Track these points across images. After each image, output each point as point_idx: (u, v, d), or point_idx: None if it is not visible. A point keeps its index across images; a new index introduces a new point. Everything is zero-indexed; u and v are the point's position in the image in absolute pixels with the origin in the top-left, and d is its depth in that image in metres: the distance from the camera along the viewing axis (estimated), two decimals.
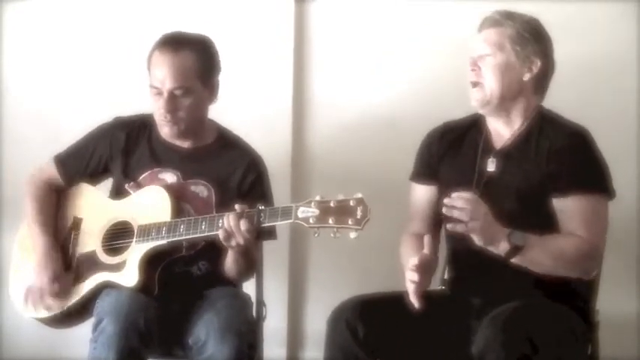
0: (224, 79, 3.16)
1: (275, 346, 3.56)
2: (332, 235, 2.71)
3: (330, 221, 2.70)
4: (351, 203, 2.69)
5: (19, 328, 3.62)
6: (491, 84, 2.88)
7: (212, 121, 3.20)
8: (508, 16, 2.90)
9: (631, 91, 3.53)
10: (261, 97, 3.70)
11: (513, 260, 2.72)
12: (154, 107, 3.09)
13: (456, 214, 2.68)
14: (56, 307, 3.09)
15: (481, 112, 2.95)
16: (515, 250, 2.70)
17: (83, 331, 3.04)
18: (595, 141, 2.87)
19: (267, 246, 3.17)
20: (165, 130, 3.11)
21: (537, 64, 2.88)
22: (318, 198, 2.74)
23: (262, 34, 3.70)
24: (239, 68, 3.65)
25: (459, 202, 2.68)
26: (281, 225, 3.09)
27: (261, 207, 2.84)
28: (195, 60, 3.04)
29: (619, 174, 2.90)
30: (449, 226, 2.72)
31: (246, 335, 2.92)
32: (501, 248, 2.71)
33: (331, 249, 3.63)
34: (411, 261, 2.77)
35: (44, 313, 3.11)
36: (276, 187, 3.21)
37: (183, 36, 3.10)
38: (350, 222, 2.69)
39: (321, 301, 3.54)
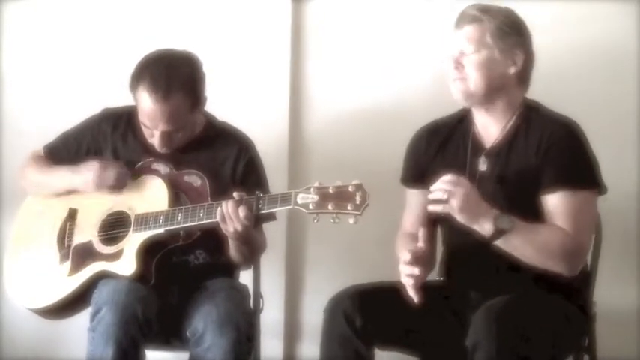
0: (223, 73, 3.16)
1: (272, 337, 3.56)
2: (331, 220, 2.71)
3: (330, 207, 2.70)
4: (350, 189, 2.70)
5: (19, 323, 3.61)
6: (476, 80, 2.85)
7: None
8: (486, 11, 2.86)
9: (631, 88, 3.52)
10: (259, 90, 3.70)
11: (497, 243, 2.72)
12: (144, 129, 3.07)
13: (437, 195, 2.69)
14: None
15: (464, 104, 2.93)
16: (500, 233, 2.70)
17: (81, 326, 3.03)
18: (584, 134, 2.85)
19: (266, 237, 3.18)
20: (157, 148, 3.10)
21: (521, 57, 2.86)
22: (316, 184, 2.74)
23: (260, 29, 3.70)
24: (237, 63, 3.67)
25: (440, 185, 2.69)
26: (279, 215, 3.14)
27: (260, 194, 2.85)
28: (186, 98, 3.00)
29: (618, 168, 2.91)
30: (429, 208, 2.72)
31: (245, 327, 2.91)
32: (486, 228, 2.70)
33: (328, 240, 3.63)
34: (403, 256, 2.76)
35: (43, 302, 3.10)
36: (273, 179, 3.21)
37: (170, 73, 2.99)
38: (349, 207, 2.69)
39: (318, 293, 3.51)
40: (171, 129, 3.02)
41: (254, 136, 3.22)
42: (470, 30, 2.86)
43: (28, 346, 3.73)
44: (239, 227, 2.85)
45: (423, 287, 2.81)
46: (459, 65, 2.87)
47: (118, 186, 3.08)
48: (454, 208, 2.68)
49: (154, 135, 3.05)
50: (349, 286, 2.89)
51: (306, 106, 3.72)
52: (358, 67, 3.69)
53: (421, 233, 2.78)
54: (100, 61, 3.74)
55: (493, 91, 2.86)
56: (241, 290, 3.10)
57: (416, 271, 2.74)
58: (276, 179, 3.28)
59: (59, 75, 3.77)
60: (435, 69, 3.53)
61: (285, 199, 2.78)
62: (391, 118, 3.62)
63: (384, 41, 3.68)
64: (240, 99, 3.65)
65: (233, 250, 3.05)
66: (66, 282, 3.07)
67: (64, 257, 3.11)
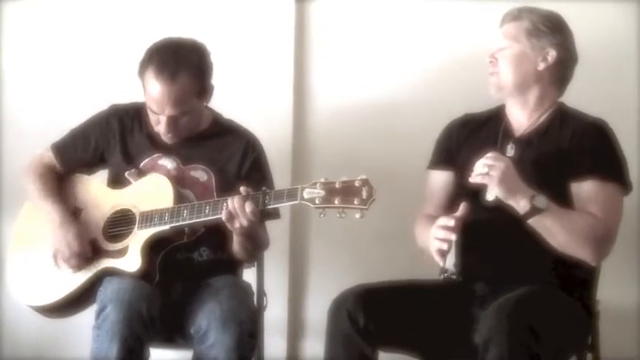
0: (227, 71, 3.17)
1: (275, 335, 3.55)
2: (338, 215, 2.72)
3: (336, 201, 2.71)
4: (357, 184, 2.71)
5: (21, 322, 3.60)
6: (506, 73, 2.95)
7: (206, 107, 3.19)
8: (527, 11, 2.98)
9: (631, 88, 3.56)
10: (263, 88, 3.71)
11: (530, 222, 2.76)
12: (151, 116, 3.08)
13: (479, 170, 2.75)
14: (82, 266, 3.07)
15: (497, 97, 3.01)
16: (534, 211, 2.74)
17: (84, 324, 3.02)
18: (615, 135, 2.92)
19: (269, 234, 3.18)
20: (163, 135, 3.11)
21: (552, 55, 2.94)
22: (323, 180, 2.75)
23: (264, 28, 3.72)
24: (241, 61, 3.68)
25: (482, 160, 2.76)
26: (282, 212, 3.15)
27: (266, 189, 2.86)
28: (192, 82, 3.02)
29: None
30: (470, 178, 2.77)
31: (248, 325, 2.91)
32: (521, 205, 2.76)
33: (332, 238, 3.64)
34: (442, 220, 2.80)
35: (47, 300, 3.09)
36: (277, 176, 3.22)
37: (178, 57, 3.02)
38: (356, 202, 2.70)
39: (321, 291, 3.54)
40: (178, 112, 3.02)
41: (258, 134, 3.22)
42: (508, 27, 2.98)
43: (30, 345, 3.72)
44: (245, 223, 2.85)
45: (428, 287, 2.85)
46: (493, 59, 2.98)
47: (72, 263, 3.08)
48: (494, 180, 2.74)
49: (160, 121, 3.05)
50: (354, 285, 2.89)
51: (310, 103, 3.73)
52: (361, 65, 3.70)
53: (463, 205, 2.81)
54: (100, 60, 3.74)
55: (523, 84, 2.96)
56: (245, 288, 3.10)
57: (453, 237, 2.78)
58: (279, 176, 3.28)
59: (59, 74, 3.77)
60: (438, 67, 3.61)
61: (291, 194, 2.79)
62: (394, 116, 3.64)
63: (386, 39, 3.69)
64: (244, 97, 3.66)
65: (237, 246, 3.05)
66: (70, 279, 3.07)
67: None
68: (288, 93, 3.70)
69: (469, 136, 3.05)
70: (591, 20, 3.51)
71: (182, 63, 3.01)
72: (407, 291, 2.90)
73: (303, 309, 3.74)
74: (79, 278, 3.06)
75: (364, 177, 2.72)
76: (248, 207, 2.83)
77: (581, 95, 3.16)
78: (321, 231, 3.65)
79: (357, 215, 2.71)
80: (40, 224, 3.18)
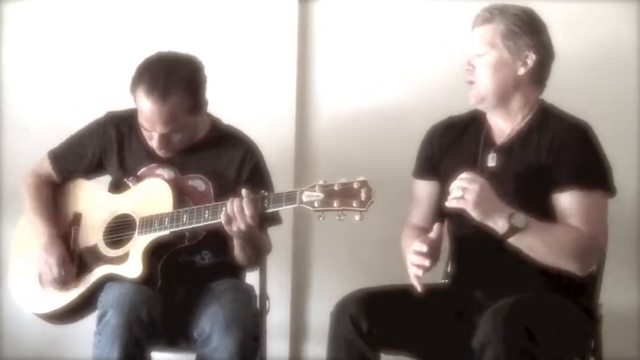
0: (229, 74, 3.16)
1: (278, 338, 3.56)
2: (337, 217, 2.71)
3: (335, 204, 2.70)
4: (355, 186, 2.70)
5: (22, 327, 3.61)
6: (485, 82, 2.87)
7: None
8: (499, 11, 2.87)
9: (631, 88, 3.54)
10: (266, 92, 3.70)
11: (510, 241, 2.71)
12: (144, 132, 3.06)
13: (454, 193, 2.69)
14: (64, 290, 3.08)
15: (478, 108, 2.94)
16: (513, 230, 2.70)
17: (86, 329, 3.04)
18: (597, 137, 2.85)
19: (271, 239, 3.17)
20: (157, 150, 3.09)
21: (532, 57, 2.86)
22: (321, 182, 2.74)
23: (267, 30, 3.72)
24: (244, 64, 3.69)
25: (457, 182, 2.70)
26: (285, 216, 3.15)
27: (265, 193, 2.84)
28: (184, 99, 2.97)
29: (619, 170, 2.91)
30: (446, 203, 2.72)
31: (251, 328, 2.92)
32: (500, 225, 2.70)
33: (335, 242, 3.63)
34: (417, 246, 2.75)
35: (49, 307, 3.10)
36: (279, 182, 3.20)
37: (169, 75, 2.97)
38: (354, 204, 2.69)
39: (324, 295, 3.54)
40: (169, 131, 3.01)
41: (260, 138, 3.21)
42: (482, 31, 2.88)
43: (31, 346, 3.73)
44: (242, 226, 2.84)
45: (429, 291, 2.81)
46: (470, 67, 2.89)
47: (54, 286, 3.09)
48: (469, 203, 2.68)
49: (152, 137, 3.04)
50: (356, 289, 2.87)
51: (313, 107, 3.73)
52: (365, 68, 3.69)
53: (436, 226, 2.78)
54: (102, 60, 3.75)
55: (504, 93, 2.88)
56: (247, 291, 3.09)
57: (427, 263, 2.74)
58: (282, 180, 3.27)
59: (60, 74, 3.78)
60: (442, 70, 3.59)
61: (290, 197, 2.78)
62: (398, 120, 3.63)
63: (390, 42, 3.68)
64: (246, 100, 3.66)
65: (238, 251, 3.05)
66: (72, 286, 3.07)
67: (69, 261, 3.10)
68: (290, 96, 3.70)
69: (451, 144, 2.98)
70: (592, 21, 3.51)
71: (173, 81, 2.96)
72: (409, 295, 2.87)
73: (305, 312, 3.75)
74: (80, 285, 3.06)
75: (362, 178, 2.70)
76: (247, 210, 2.82)
77: (581, 96, 3.16)
78: (324, 235, 3.66)
79: (357, 217, 2.69)
80: None
